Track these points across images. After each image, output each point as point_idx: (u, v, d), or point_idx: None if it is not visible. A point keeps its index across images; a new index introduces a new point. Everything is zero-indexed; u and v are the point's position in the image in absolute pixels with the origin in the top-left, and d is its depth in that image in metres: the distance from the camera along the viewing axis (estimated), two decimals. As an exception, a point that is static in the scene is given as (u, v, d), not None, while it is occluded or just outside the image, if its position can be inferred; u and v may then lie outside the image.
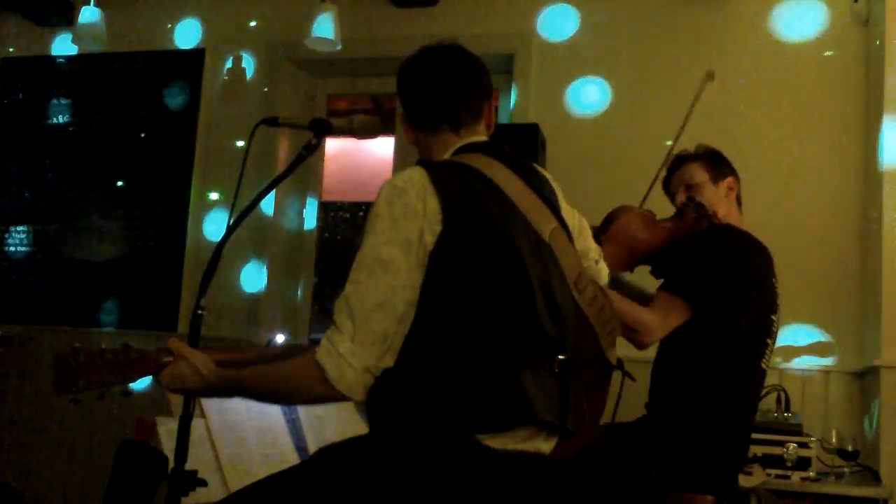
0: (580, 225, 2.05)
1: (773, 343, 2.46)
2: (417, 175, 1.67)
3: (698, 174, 2.58)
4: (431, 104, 1.85)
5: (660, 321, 2.32)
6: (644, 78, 3.83)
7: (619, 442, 2.33)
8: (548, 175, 1.97)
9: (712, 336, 2.35)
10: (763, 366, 2.42)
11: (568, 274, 1.79)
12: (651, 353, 2.47)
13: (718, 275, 2.34)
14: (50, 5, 4.58)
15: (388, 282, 1.59)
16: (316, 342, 1.63)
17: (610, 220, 2.53)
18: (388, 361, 1.60)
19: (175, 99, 4.41)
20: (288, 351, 1.86)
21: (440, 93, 1.84)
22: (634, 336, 2.32)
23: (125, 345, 1.72)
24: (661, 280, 2.48)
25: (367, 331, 1.58)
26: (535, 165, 1.94)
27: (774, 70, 3.70)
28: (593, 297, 1.85)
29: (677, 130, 2.83)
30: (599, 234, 2.50)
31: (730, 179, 2.60)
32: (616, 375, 2.19)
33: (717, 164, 2.60)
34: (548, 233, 1.78)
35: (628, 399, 2.43)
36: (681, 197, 2.59)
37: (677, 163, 2.65)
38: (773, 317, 2.43)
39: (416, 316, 1.62)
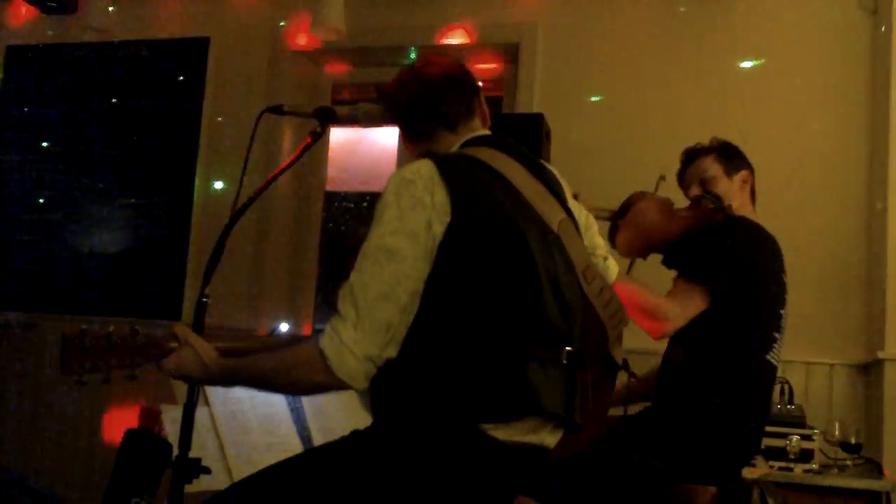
0: (587, 221, 2.05)
1: (782, 337, 2.44)
2: (425, 167, 1.68)
3: (712, 168, 2.57)
4: (420, 114, 1.88)
5: (680, 309, 2.30)
6: (651, 68, 3.81)
7: (622, 433, 2.33)
8: (554, 169, 1.97)
9: (721, 326, 2.33)
10: (770, 359, 2.40)
11: (576, 265, 1.79)
12: (655, 345, 2.46)
13: (735, 264, 2.33)
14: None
15: (392, 271, 1.60)
16: (320, 332, 1.63)
17: (628, 204, 2.51)
18: (391, 352, 1.61)
19: (180, 87, 4.41)
20: (291, 341, 1.86)
21: (425, 100, 1.87)
22: (654, 324, 2.30)
23: (133, 328, 1.73)
24: (672, 270, 2.47)
25: (371, 319, 1.58)
26: (542, 160, 1.94)
27: (780, 58, 3.68)
28: (601, 289, 1.85)
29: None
30: (617, 218, 2.50)
31: (744, 173, 2.58)
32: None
33: (732, 157, 2.59)
34: (556, 224, 1.79)
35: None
36: (695, 190, 2.57)
37: (691, 156, 2.63)
38: (782, 311, 2.42)
39: (424, 306, 1.62)
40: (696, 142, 2.66)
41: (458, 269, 1.63)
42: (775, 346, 2.41)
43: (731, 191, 2.54)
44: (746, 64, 3.70)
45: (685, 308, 2.31)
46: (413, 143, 1.93)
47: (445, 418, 1.60)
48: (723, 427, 2.31)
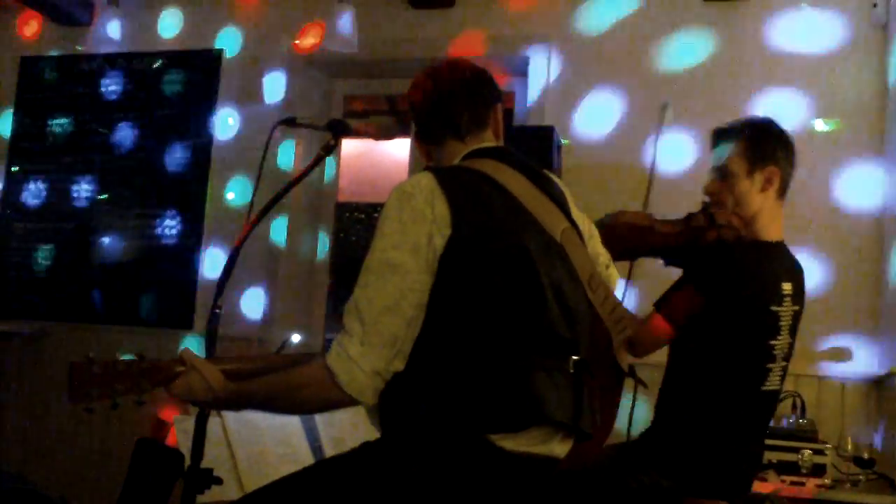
0: (590, 230, 2.06)
1: (780, 365, 2.38)
2: (425, 180, 1.69)
3: (734, 163, 2.39)
4: (434, 118, 1.89)
5: (649, 339, 2.33)
6: (661, 82, 3.81)
7: (628, 455, 2.33)
8: (557, 179, 1.98)
9: (710, 358, 2.33)
10: (767, 389, 2.36)
11: (581, 274, 1.80)
12: (661, 357, 2.46)
13: (716, 301, 2.29)
14: (70, 4, 4.60)
15: (396, 285, 1.61)
16: (327, 349, 1.64)
17: (603, 222, 2.48)
18: (398, 365, 1.61)
19: (192, 98, 4.43)
20: (297, 360, 1.87)
21: (441, 105, 1.88)
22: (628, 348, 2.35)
23: (139, 354, 1.74)
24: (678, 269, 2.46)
25: (377, 333, 1.59)
26: (545, 170, 1.95)
27: (791, 72, 3.67)
28: (605, 296, 1.86)
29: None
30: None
31: (769, 170, 2.38)
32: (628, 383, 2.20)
33: (759, 149, 2.39)
34: (559, 233, 1.80)
35: (642, 406, 2.45)
36: (711, 186, 2.45)
37: (718, 139, 2.47)
38: (773, 342, 2.33)
39: (428, 319, 1.63)
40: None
41: (460, 281, 1.63)
42: (770, 375, 2.35)
43: (750, 194, 2.39)
44: (757, 77, 3.69)
45: (653, 339, 2.34)
46: (421, 142, 1.94)
47: (454, 429, 1.61)
48: (728, 445, 2.31)
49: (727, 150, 2.42)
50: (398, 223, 1.64)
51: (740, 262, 2.35)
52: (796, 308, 2.40)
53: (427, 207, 1.64)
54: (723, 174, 2.42)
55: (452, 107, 1.87)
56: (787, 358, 2.40)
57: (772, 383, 2.37)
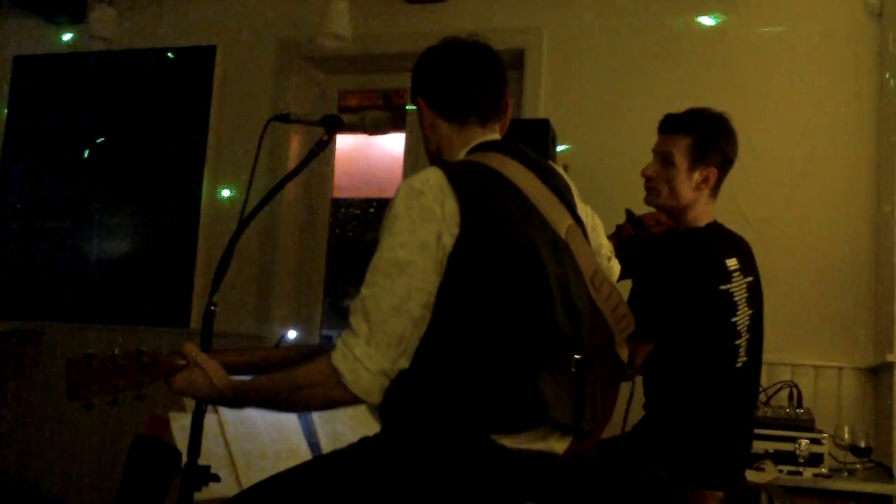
0: (593, 221, 2.05)
1: (750, 340, 2.40)
2: (435, 176, 1.66)
3: (679, 156, 2.41)
4: (465, 97, 1.83)
5: (632, 359, 2.30)
6: (656, 74, 3.81)
7: (623, 448, 2.35)
8: (562, 172, 1.97)
9: (679, 343, 2.35)
10: (740, 365, 2.38)
11: (584, 271, 1.79)
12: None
13: (659, 302, 2.32)
14: (61, 3, 4.58)
15: (404, 284, 1.59)
16: (327, 338, 1.63)
17: None
18: (403, 363, 1.61)
19: (186, 95, 4.42)
20: (300, 356, 1.86)
21: (476, 86, 1.83)
22: None
23: (138, 350, 1.73)
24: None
25: (383, 333, 1.58)
26: (551, 163, 1.93)
27: (786, 63, 3.67)
28: (608, 294, 1.85)
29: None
30: None
31: (708, 170, 2.41)
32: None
33: (706, 149, 2.41)
34: (564, 230, 1.78)
35: (639, 396, 2.46)
36: (650, 169, 2.47)
37: (669, 128, 2.48)
38: (734, 319, 2.36)
39: (435, 317, 1.61)
40: None
41: (468, 280, 1.62)
42: (741, 351, 2.38)
43: (684, 188, 2.42)
44: (752, 69, 3.69)
45: (636, 358, 2.30)
46: (436, 113, 1.85)
47: (456, 427, 1.61)
48: (715, 433, 2.33)
49: (675, 140, 2.45)
50: (407, 221, 1.61)
51: (678, 251, 2.41)
52: (749, 279, 2.42)
53: (437, 205, 1.62)
54: (664, 162, 2.45)
55: (487, 92, 1.83)
56: (753, 329, 2.41)
57: (744, 359, 2.39)
